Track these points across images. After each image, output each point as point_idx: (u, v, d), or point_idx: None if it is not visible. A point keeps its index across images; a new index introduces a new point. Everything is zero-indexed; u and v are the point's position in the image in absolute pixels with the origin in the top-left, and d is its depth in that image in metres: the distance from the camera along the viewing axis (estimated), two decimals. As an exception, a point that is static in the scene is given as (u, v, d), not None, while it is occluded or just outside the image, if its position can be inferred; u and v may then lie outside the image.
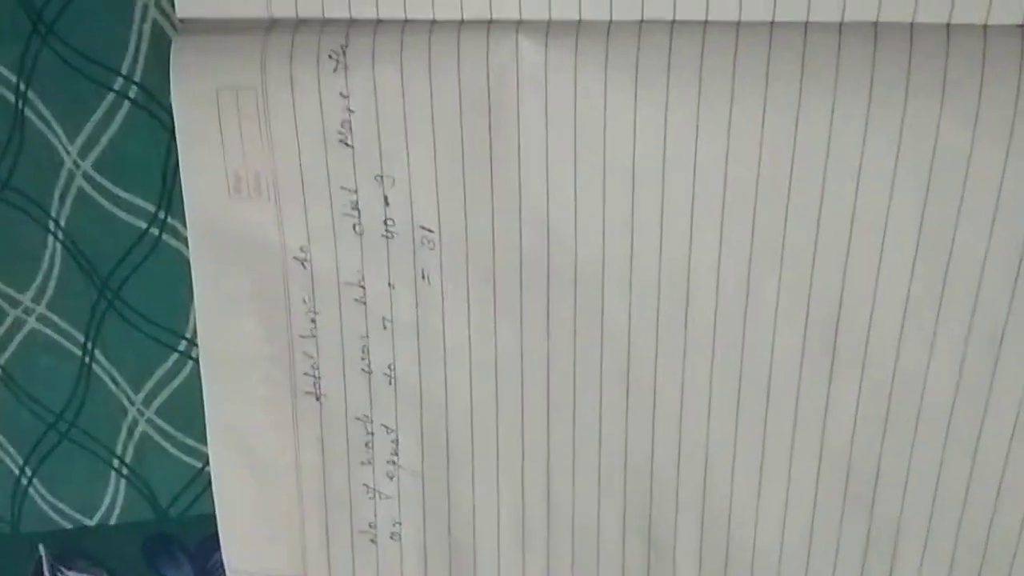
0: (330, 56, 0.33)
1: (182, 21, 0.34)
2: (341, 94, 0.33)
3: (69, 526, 0.43)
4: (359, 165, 0.34)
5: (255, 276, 0.36)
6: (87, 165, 0.37)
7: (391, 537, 0.39)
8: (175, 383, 0.40)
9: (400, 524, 0.39)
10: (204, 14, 0.34)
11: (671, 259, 0.34)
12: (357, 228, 0.35)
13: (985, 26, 0.29)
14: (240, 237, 0.36)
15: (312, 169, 0.35)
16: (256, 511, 0.40)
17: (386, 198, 0.35)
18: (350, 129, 0.34)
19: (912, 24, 0.30)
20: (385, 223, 0.35)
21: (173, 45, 0.34)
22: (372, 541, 0.40)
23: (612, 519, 0.38)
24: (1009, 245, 0.31)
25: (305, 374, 0.38)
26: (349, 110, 0.33)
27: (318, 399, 0.38)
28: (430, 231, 0.35)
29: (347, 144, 0.34)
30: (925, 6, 0.30)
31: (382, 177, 0.34)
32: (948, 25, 0.30)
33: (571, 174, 0.33)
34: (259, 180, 0.35)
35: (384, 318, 0.37)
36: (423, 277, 0.36)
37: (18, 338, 0.40)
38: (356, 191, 0.35)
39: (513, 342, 0.36)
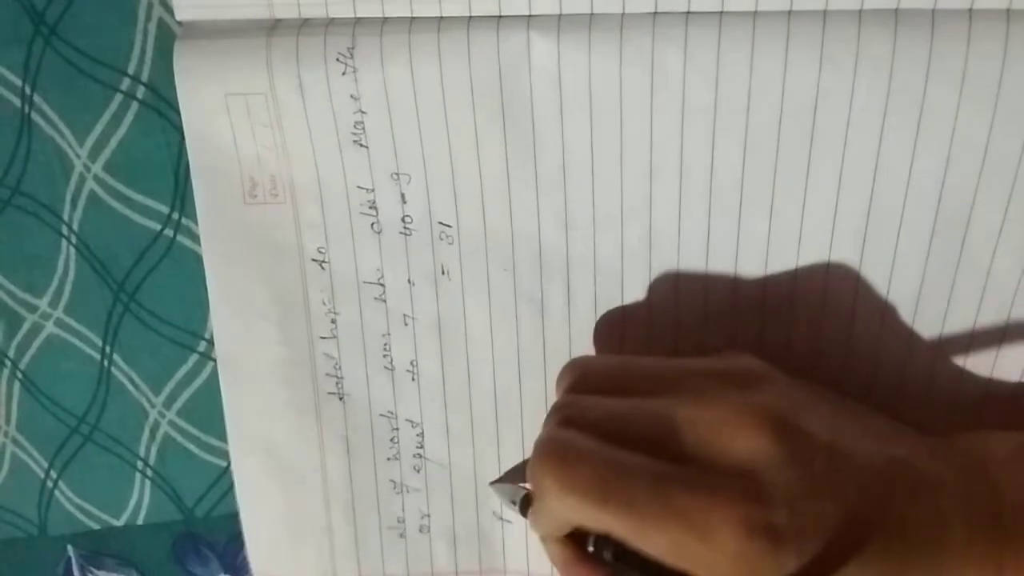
0: (338, 59, 0.33)
1: (181, 24, 0.35)
2: (352, 96, 0.34)
3: (97, 527, 0.45)
4: (375, 164, 0.35)
5: (273, 280, 0.38)
6: (97, 168, 0.38)
7: (420, 530, 0.41)
8: (195, 384, 0.41)
9: (429, 516, 0.41)
10: (204, 16, 0.34)
11: (689, 245, 0.35)
12: (375, 227, 0.37)
13: (1008, 10, 0.30)
14: (256, 242, 0.37)
15: (328, 171, 0.36)
16: (282, 515, 0.41)
17: (403, 195, 0.36)
18: (363, 130, 0.35)
19: (933, 11, 0.30)
20: (403, 220, 0.36)
21: (176, 50, 0.34)
22: (401, 536, 0.41)
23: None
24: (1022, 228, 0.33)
25: (327, 375, 0.39)
26: (361, 111, 0.34)
27: (341, 399, 0.39)
28: (448, 226, 0.36)
29: (361, 144, 0.35)
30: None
31: (398, 175, 0.36)
32: (970, 11, 0.30)
33: (588, 162, 0.34)
34: (275, 184, 0.36)
35: (405, 315, 0.38)
36: (443, 272, 0.37)
37: (37, 343, 0.42)
38: (373, 190, 0.36)
39: (534, 331, 0.37)
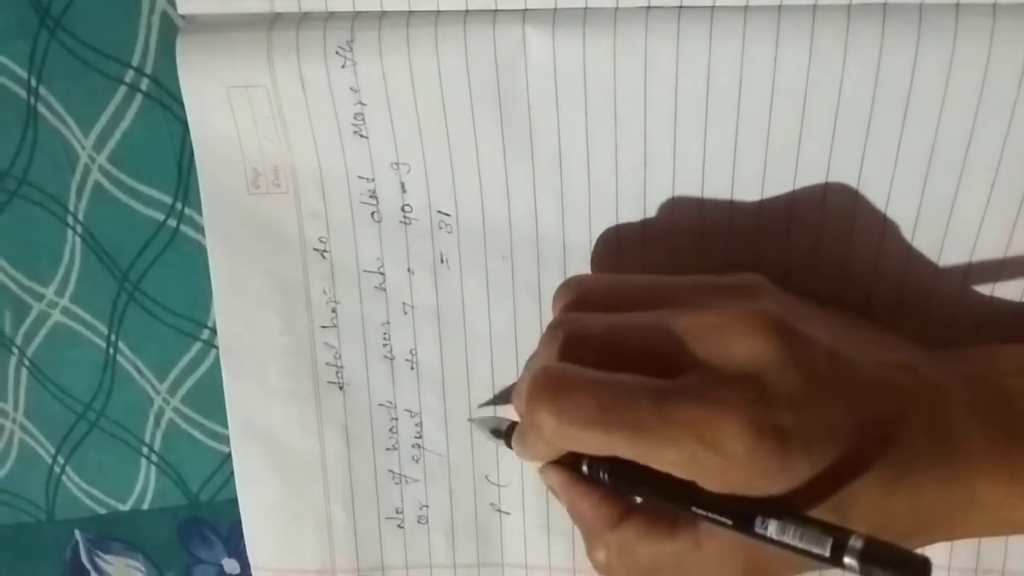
0: (337, 52, 0.35)
1: (184, 17, 0.36)
2: (352, 88, 0.35)
3: (103, 512, 0.46)
4: (375, 155, 0.37)
5: (274, 269, 0.39)
6: (102, 159, 0.39)
7: (418, 521, 0.42)
8: (199, 371, 0.43)
9: (427, 507, 0.42)
10: (206, 10, 0.35)
11: (682, 235, 0.36)
12: (375, 216, 0.38)
13: (995, 5, 0.31)
14: (259, 232, 0.38)
15: (329, 161, 0.37)
16: (281, 505, 0.42)
17: (403, 185, 0.37)
18: (363, 121, 0.36)
19: (921, 5, 0.31)
20: (403, 209, 0.38)
21: (178, 44, 0.35)
22: (399, 527, 0.42)
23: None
24: (1001, 222, 0.34)
25: (327, 364, 0.40)
26: (361, 103, 0.35)
27: (341, 388, 0.40)
28: (447, 215, 0.38)
29: (362, 135, 0.36)
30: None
31: (398, 165, 0.37)
32: (957, 5, 0.31)
33: (584, 152, 0.35)
34: (277, 174, 0.37)
35: (405, 303, 0.39)
36: (442, 261, 0.38)
37: (43, 331, 0.43)
38: (373, 180, 0.37)
39: (532, 318, 0.39)
